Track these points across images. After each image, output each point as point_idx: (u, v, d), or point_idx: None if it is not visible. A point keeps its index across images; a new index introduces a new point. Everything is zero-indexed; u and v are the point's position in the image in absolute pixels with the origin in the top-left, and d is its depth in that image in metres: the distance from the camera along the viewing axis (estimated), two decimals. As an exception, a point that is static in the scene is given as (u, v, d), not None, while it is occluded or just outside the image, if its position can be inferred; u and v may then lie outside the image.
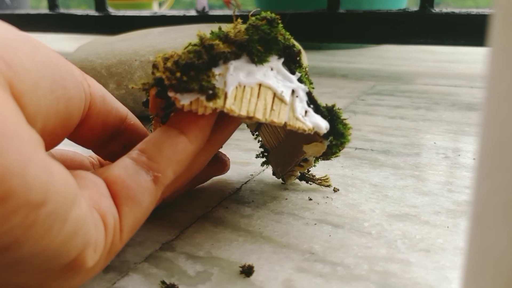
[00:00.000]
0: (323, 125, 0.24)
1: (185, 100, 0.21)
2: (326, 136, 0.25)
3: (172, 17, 0.99)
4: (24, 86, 0.16)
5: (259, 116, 0.22)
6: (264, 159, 0.35)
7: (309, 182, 0.33)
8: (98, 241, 0.17)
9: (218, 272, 0.23)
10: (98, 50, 0.55)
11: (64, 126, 0.19)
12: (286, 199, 0.31)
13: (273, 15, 0.24)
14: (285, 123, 0.23)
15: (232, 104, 0.22)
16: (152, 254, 0.25)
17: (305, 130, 0.23)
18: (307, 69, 0.26)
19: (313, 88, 0.25)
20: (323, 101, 0.26)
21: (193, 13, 1.00)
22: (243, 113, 0.22)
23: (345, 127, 0.26)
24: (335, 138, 0.25)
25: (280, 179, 0.34)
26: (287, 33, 0.24)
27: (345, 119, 0.26)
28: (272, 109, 0.23)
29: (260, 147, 0.35)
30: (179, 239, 0.27)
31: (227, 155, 0.32)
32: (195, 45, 0.23)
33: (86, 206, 0.17)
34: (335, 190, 0.32)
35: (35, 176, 0.14)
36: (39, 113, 0.17)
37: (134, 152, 0.21)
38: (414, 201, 0.31)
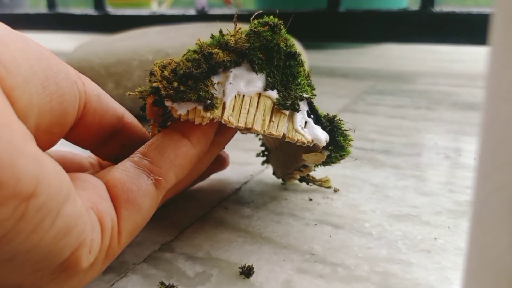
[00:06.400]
0: (323, 137, 0.24)
1: (182, 110, 0.21)
2: (326, 147, 0.25)
3: (171, 16, 0.99)
4: (15, 80, 0.16)
5: (257, 128, 0.22)
6: (264, 158, 0.35)
7: (309, 183, 0.33)
8: (94, 242, 0.17)
9: (218, 273, 0.23)
10: (97, 50, 0.55)
11: (59, 124, 0.19)
12: (286, 199, 0.31)
13: (275, 20, 0.23)
14: (284, 135, 0.23)
15: (230, 115, 0.21)
16: (151, 255, 0.25)
17: (304, 143, 0.23)
18: (309, 73, 0.25)
19: (314, 95, 0.25)
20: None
21: (192, 12, 1.00)
22: (241, 124, 0.22)
23: (346, 139, 0.25)
24: (335, 151, 0.25)
25: (280, 179, 0.34)
26: (290, 39, 0.24)
27: (346, 131, 0.25)
28: (271, 120, 0.22)
29: (261, 145, 0.35)
30: (179, 239, 0.26)
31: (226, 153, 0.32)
32: (194, 52, 0.22)
33: (82, 205, 0.17)
34: (336, 190, 0.32)
35: (25, 168, 0.14)
36: (32, 109, 0.17)
37: (135, 155, 0.21)
38: (415, 201, 0.31)
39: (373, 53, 1.09)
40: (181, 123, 0.22)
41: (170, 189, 0.22)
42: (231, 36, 0.23)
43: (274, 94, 0.23)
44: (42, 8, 1.22)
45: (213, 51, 0.22)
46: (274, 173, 0.34)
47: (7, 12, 1.29)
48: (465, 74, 0.80)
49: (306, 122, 0.24)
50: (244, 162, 0.38)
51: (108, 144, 0.24)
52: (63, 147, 0.24)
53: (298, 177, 0.32)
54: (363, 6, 0.87)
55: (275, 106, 0.23)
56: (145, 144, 0.22)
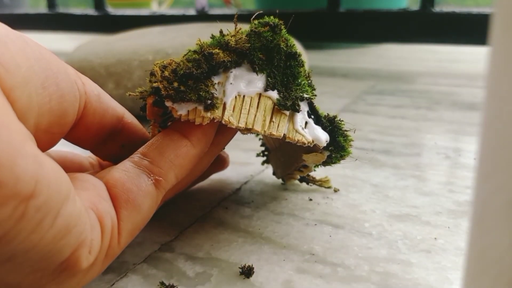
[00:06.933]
0: (323, 138, 0.24)
1: (182, 110, 0.21)
2: (326, 147, 0.25)
3: (171, 16, 0.99)
4: (14, 80, 0.15)
5: (258, 128, 0.22)
6: (264, 158, 0.35)
7: (309, 184, 0.33)
8: (94, 243, 0.17)
9: (218, 273, 0.23)
10: (97, 50, 0.55)
11: (59, 124, 0.19)
12: (286, 199, 0.31)
13: (276, 20, 0.23)
14: (284, 135, 0.23)
15: (231, 116, 0.21)
16: (151, 255, 0.25)
17: (304, 143, 0.23)
18: (309, 74, 0.25)
19: (315, 95, 0.24)
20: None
21: (192, 12, 1.00)
22: (242, 124, 0.22)
23: (346, 140, 0.25)
24: (335, 151, 0.25)
25: (280, 179, 0.34)
26: (291, 39, 0.24)
27: (346, 131, 0.25)
28: (271, 120, 0.22)
29: (261, 145, 0.35)
30: (179, 239, 0.26)
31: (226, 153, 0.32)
32: (194, 52, 0.22)
33: (82, 205, 0.17)
34: (336, 190, 0.32)
35: (25, 168, 0.14)
36: (31, 109, 0.17)
37: (136, 156, 0.21)
38: (415, 201, 0.31)
39: (373, 53, 1.09)
40: (181, 123, 0.22)
41: (170, 189, 0.22)
42: (231, 37, 0.23)
43: (274, 94, 0.23)
44: (42, 8, 1.22)
45: (213, 51, 0.22)
46: (274, 173, 0.34)
47: (7, 12, 1.29)
48: (465, 74, 0.80)
49: (306, 123, 0.23)
50: (244, 162, 0.38)
51: (108, 144, 0.24)
52: (63, 147, 0.24)
53: (298, 177, 0.32)
54: (363, 6, 0.87)
55: (276, 106, 0.23)
56: (145, 145, 0.22)
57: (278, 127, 0.23)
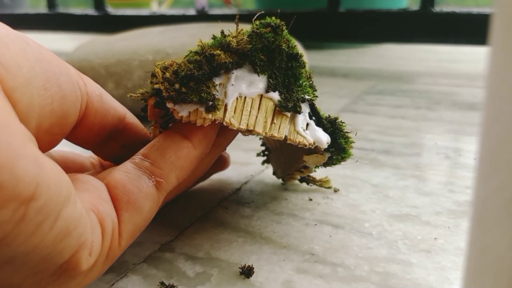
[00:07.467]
0: (324, 139, 0.24)
1: (183, 112, 0.21)
2: (327, 149, 0.25)
3: (171, 16, 0.99)
4: (15, 82, 0.15)
5: (259, 130, 0.22)
6: (265, 158, 0.35)
7: (310, 184, 0.33)
8: (94, 244, 0.17)
9: (218, 273, 0.23)
10: (97, 50, 0.55)
11: (61, 125, 0.19)
12: (286, 199, 0.31)
13: (277, 21, 0.23)
14: (286, 137, 0.23)
15: (232, 117, 0.21)
16: (151, 255, 0.25)
17: (305, 145, 0.23)
18: (311, 75, 0.25)
19: (316, 96, 0.24)
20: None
21: (192, 12, 1.00)
22: (243, 126, 0.22)
23: (347, 142, 0.25)
24: (336, 153, 0.25)
25: (280, 180, 0.34)
26: (292, 40, 0.24)
27: (347, 133, 0.25)
28: (272, 122, 0.22)
29: (261, 145, 0.35)
30: (179, 239, 0.26)
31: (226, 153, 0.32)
32: (195, 53, 0.22)
33: (82, 207, 0.17)
34: (336, 190, 0.32)
35: (25, 170, 0.14)
36: (33, 110, 0.17)
37: (137, 157, 0.21)
38: (415, 201, 0.31)
39: (373, 53, 1.09)
40: (182, 125, 0.22)
41: (172, 190, 0.22)
42: (233, 38, 0.23)
43: (275, 95, 0.23)
44: (42, 8, 1.22)
45: (215, 52, 0.22)
46: (274, 173, 0.34)
47: (7, 12, 1.29)
48: (465, 74, 0.80)
49: (307, 124, 0.23)
50: (245, 162, 0.38)
51: (109, 144, 0.24)
52: (65, 147, 0.24)
53: (298, 177, 0.32)
54: (363, 6, 0.87)
55: (277, 108, 0.23)
56: (147, 146, 0.22)
57: (279, 128, 0.22)
